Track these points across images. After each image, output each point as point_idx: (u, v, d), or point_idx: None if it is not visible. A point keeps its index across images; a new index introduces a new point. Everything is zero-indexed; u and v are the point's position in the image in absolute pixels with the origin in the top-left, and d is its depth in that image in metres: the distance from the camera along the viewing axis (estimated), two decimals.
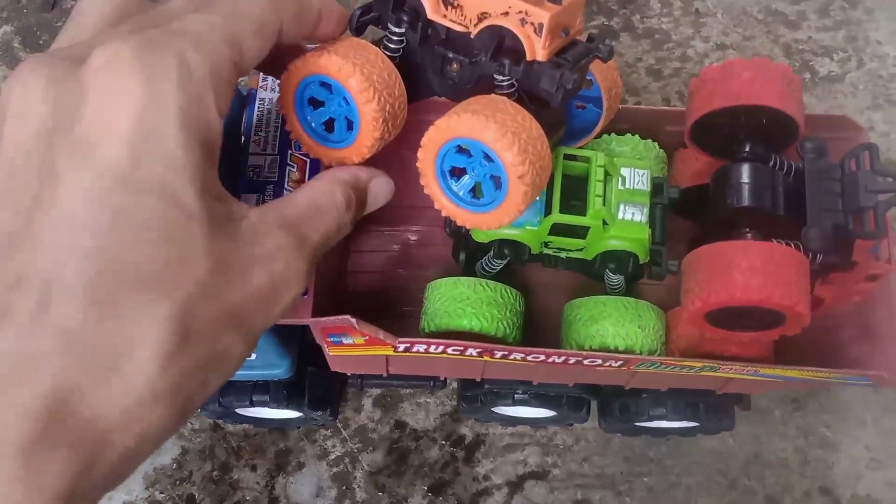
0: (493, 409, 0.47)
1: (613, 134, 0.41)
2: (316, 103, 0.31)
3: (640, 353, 0.36)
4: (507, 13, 0.28)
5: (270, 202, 0.27)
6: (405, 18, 0.30)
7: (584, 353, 0.35)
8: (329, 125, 0.31)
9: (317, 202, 0.28)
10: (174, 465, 0.51)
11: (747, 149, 0.36)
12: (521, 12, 0.28)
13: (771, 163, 0.36)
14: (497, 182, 0.29)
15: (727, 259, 0.33)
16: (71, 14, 0.26)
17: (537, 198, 0.36)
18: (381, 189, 0.32)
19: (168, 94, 0.21)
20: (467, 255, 0.39)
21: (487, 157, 0.29)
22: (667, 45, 0.63)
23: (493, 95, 0.30)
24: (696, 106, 0.37)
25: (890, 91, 0.62)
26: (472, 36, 0.30)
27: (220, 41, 0.23)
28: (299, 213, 0.26)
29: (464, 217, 0.31)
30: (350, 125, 0.31)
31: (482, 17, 0.29)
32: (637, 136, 0.41)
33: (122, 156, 0.20)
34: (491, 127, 0.27)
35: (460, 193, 0.31)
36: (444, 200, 0.31)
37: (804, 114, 0.37)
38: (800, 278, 0.33)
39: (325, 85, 0.30)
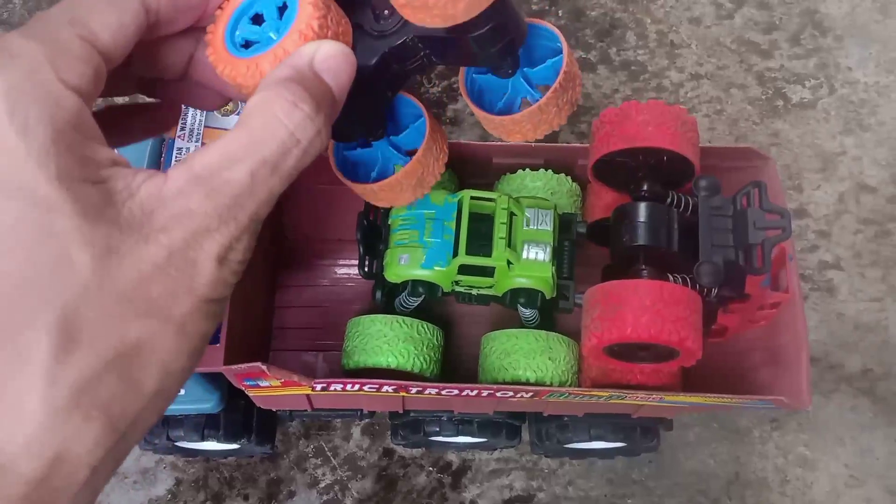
0: (426, 436, 0.48)
1: (528, 169, 0.43)
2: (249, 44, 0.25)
3: (551, 384, 0.38)
4: None
5: (183, 160, 0.21)
6: None
7: (496, 386, 0.37)
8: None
9: (247, 129, 0.21)
10: (168, 496, 0.52)
11: (645, 187, 0.38)
12: None
13: (668, 200, 0.38)
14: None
15: (619, 297, 0.34)
16: None
17: (447, 239, 0.37)
18: (335, 63, 0.23)
19: None
20: (385, 292, 0.41)
21: None
22: (643, 76, 0.65)
23: None
24: (596, 146, 0.39)
25: (861, 116, 0.64)
26: None
27: (54, 24, 0.20)
28: (214, 159, 0.20)
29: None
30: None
31: None
32: (550, 171, 0.43)
33: None
34: None
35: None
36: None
37: (698, 150, 0.39)
38: (690, 314, 0.34)
39: (256, 20, 0.25)
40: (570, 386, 0.40)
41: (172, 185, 0.20)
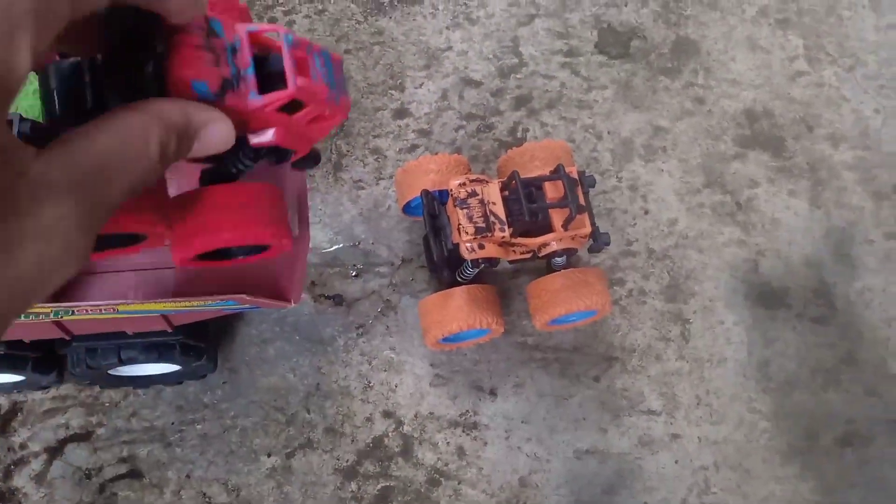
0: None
1: None
2: None
3: None
4: None
5: (59, 143, 0.21)
6: None
7: None
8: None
9: (123, 150, 0.22)
10: None
11: None
12: None
13: None
14: None
15: None
16: None
17: None
18: (218, 136, 0.25)
19: None
20: None
21: None
22: None
23: None
24: None
25: (469, 9, 0.62)
26: None
27: None
28: (96, 165, 0.21)
29: None
30: None
31: None
32: None
33: None
34: None
35: None
36: None
37: None
38: None
39: None
40: None
41: (59, 176, 0.20)
